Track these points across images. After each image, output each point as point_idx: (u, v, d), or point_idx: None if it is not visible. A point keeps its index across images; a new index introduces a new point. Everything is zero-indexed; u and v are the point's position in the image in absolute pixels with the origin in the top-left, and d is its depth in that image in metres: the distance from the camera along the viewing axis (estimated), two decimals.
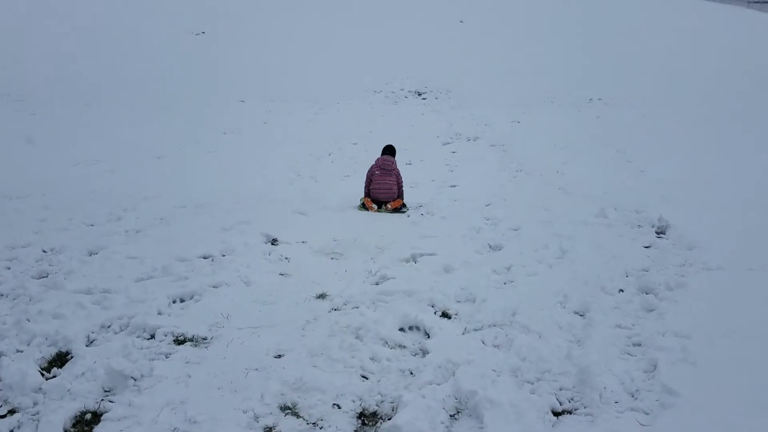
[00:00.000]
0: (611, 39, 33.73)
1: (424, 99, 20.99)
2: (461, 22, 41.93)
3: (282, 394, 4.23)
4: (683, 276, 6.41)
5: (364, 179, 9.10)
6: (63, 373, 4.40)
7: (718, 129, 15.82)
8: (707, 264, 6.70)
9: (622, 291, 6.14)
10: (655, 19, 42.85)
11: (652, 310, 5.66)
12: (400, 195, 8.92)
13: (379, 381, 4.46)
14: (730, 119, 17.02)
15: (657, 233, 8.10)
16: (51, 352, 4.72)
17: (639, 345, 4.99)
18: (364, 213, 9.13)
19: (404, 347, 4.99)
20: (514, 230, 8.25)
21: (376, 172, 8.82)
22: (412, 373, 4.58)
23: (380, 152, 9.45)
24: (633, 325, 5.37)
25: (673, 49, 30.11)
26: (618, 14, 46.29)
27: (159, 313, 5.35)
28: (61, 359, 4.65)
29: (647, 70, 24.93)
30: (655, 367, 4.56)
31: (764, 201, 9.39)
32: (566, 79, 23.52)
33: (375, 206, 8.78)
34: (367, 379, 4.50)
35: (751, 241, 7.54)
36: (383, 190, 8.55)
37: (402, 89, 22.29)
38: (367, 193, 8.71)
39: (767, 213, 8.88)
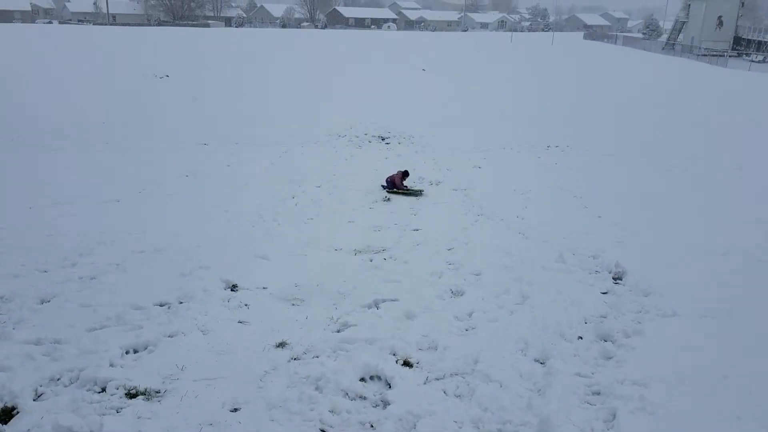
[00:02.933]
0: (567, 88, 35.02)
1: (387, 143, 21.20)
2: (424, 70, 43.03)
3: None
4: (640, 323, 6.54)
5: (395, 180, 14.13)
6: (7, 430, 4.21)
7: (670, 175, 16.39)
8: (663, 311, 6.85)
9: (581, 338, 6.22)
10: (608, 71, 44.70)
11: (610, 358, 5.74)
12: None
13: None
14: (681, 165, 17.67)
15: (614, 279, 8.27)
16: None
17: (598, 394, 5.03)
18: (330, 255, 9.38)
19: (365, 398, 4.92)
20: (476, 275, 8.31)
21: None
22: (372, 426, 4.51)
23: (385, 181, 14.23)
24: (592, 374, 5.42)
25: (624, 98, 31.39)
26: (573, 66, 48.18)
27: (111, 365, 5.19)
28: (6, 415, 4.45)
29: (601, 118, 25.86)
30: (614, 416, 4.60)
31: (714, 245, 9.71)
32: (525, 125, 24.19)
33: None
34: None
35: (703, 285, 7.75)
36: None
37: (366, 134, 22.51)
38: (401, 186, 14.01)
39: (718, 257, 9.19)
